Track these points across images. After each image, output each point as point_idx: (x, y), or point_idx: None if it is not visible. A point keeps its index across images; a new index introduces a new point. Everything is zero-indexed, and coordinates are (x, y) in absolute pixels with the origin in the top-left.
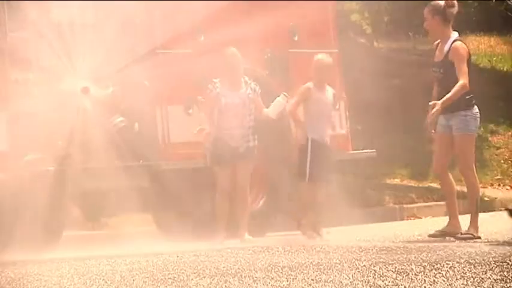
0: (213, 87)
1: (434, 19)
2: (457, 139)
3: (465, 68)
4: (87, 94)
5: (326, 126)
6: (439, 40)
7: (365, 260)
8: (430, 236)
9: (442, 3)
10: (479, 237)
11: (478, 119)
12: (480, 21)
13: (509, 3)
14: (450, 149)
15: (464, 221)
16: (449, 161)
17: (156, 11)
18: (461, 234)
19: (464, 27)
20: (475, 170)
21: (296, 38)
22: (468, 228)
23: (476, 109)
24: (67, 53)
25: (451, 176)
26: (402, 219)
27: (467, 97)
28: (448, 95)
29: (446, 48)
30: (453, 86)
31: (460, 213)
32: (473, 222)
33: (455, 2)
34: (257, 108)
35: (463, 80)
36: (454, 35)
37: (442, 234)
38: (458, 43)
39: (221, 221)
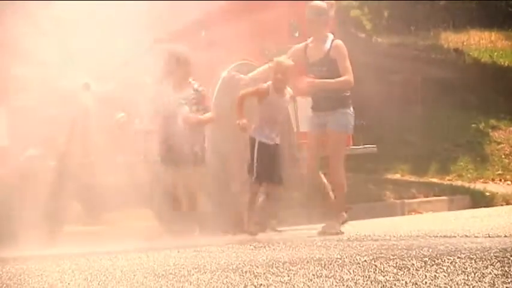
0: (158, 88)
1: (320, 20)
2: (332, 137)
3: (349, 66)
4: (88, 90)
5: (275, 129)
6: (309, 40)
7: (366, 255)
8: (319, 233)
9: (325, 4)
10: (343, 233)
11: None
12: (481, 17)
13: None
14: (322, 149)
15: (464, 216)
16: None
17: (157, 6)
18: (323, 228)
19: (466, 22)
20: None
21: (297, 34)
22: (331, 224)
23: (352, 109)
24: (68, 48)
25: (323, 177)
26: (403, 214)
27: (347, 95)
28: (330, 80)
29: (327, 46)
30: None
31: (463, 208)
32: (338, 219)
33: (334, 2)
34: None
35: (348, 76)
36: (331, 34)
37: (321, 233)
38: (340, 41)
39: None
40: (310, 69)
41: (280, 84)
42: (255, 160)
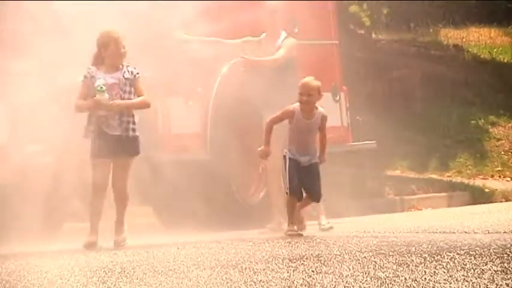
0: (88, 72)
1: (276, 18)
2: None
3: (286, 54)
4: None
5: (303, 151)
6: (263, 36)
7: (365, 251)
8: (259, 232)
9: (279, 3)
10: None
11: None
12: (481, 13)
13: None
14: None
15: (463, 212)
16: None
17: (156, 3)
18: (322, 225)
19: (465, 19)
20: None
21: (296, 30)
22: (322, 220)
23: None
24: (67, 45)
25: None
26: (403, 210)
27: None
28: (260, 59)
29: (278, 43)
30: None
31: (463, 204)
32: (324, 212)
33: (284, 2)
34: (136, 93)
35: (277, 56)
36: (284, 32)
37: (269, 231)
38: (292, 39)
39: (95, 220)
40: None
41: (307, 106)
42: (287, 177)
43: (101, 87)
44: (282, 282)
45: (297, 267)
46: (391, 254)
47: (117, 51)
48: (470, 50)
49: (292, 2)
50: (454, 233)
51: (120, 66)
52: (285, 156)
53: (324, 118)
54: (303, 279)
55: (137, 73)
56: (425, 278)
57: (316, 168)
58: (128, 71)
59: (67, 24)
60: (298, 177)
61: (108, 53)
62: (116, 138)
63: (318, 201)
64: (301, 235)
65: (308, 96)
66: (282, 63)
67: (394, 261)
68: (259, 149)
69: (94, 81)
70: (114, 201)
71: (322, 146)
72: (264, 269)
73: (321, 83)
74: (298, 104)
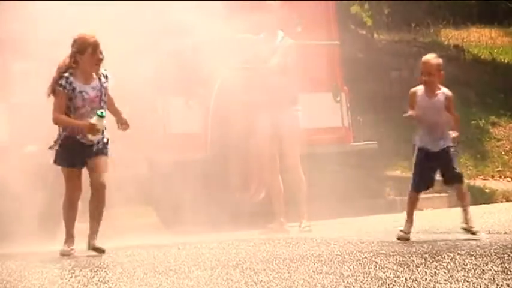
0: (66, 82)
1: (271, 17)
2: (287, 136)
3: (283, 59)
4: None
5: (430, 133)
6: (261, 35)
7: (366, 251)
8: (260, 233)
9: (276, 4)
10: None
11: None
12: (481, 13)
13: None
14: (277, 149)
15: (454, 213)
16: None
17: (158, 3)
18: (301, 227)
19: (466, 19)
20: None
21: (299, 29)
22: (303, 222)
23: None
24: (68, 44)
25: (280, 181)
26: (403, 211)
27: (295, 93)
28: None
29: (276, 43)
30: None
31: (452, 206)
32: (306, 215)
33: (282, 2)
34: (108, 98)
35: (272, 63)
36: (281, 32)
37: (270, 232)
38: (290, 40)
39: (70, 227)
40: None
41: (428, 87)
42: (414, 169)
43: (102, 113)
44: (282, 282)
45: (298, 268)
46: (391, 254)
47: (95, 57)
48: (470, 50)
49: (293, 2)
50: (454, 233)
51: (96, 75)
52: (414, 145)
53: (448, 98)
54: (304, 279)
55: (108, 76)
56: (426, 279)
57: (449, 152)
58: (103, 76)
59: (68, 24)
60: (426, 169)
61: (85, 58)
62: (91, 144)
63: (459, 182)
64: (409, 239)
65: (429, 76)
66: (277, 70)
67: (394, 262)
68: (408, 114)
69: (75, 91)
70: (91, 206)
71: (455, 125)
72: (264, 269)
73: (441, 60)
74: (420, 86)
